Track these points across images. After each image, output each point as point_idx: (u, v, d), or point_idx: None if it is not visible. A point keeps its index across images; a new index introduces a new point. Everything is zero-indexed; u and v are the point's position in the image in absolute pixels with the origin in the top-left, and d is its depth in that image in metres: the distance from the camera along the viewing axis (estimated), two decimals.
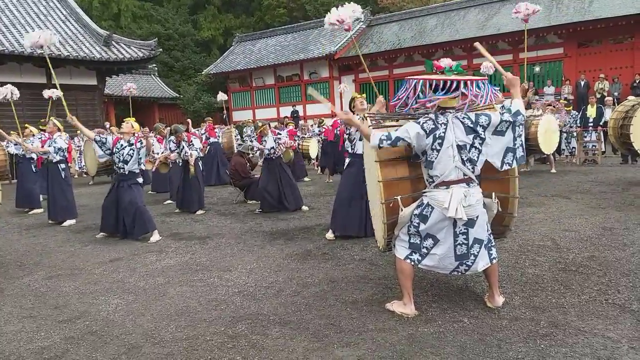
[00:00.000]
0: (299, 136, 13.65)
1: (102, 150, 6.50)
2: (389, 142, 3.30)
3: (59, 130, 8.24)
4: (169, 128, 9.83)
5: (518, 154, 3.32)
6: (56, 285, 4.76)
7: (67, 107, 6.80)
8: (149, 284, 4.63)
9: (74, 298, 4.35)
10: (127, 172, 6.49)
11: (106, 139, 6.59)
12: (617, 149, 10.74)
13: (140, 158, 6.53)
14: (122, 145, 6.47)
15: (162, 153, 9.55)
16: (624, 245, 4.85)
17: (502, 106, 3.53)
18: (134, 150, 6.45)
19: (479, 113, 3.31)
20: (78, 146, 15.64)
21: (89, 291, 4.51)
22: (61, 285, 4.75)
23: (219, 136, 12.91)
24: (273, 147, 8.00)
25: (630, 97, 10.47)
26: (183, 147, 8.37)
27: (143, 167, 6.77)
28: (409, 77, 3.33)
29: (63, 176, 8.06)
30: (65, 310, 4.06)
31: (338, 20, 5.18)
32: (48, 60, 6.65)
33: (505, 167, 3.32)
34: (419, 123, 3.28)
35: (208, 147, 12.47)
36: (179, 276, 4.80)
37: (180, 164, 8.71)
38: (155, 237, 6.44)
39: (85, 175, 15.65)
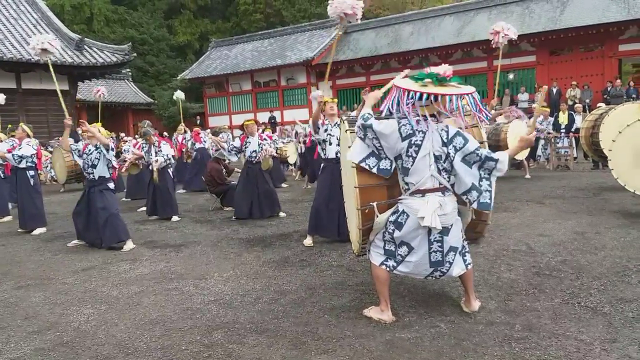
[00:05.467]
0: (275, 141, 13.59)
1: (79, 156, 6.42)
2: (364, 121, 3.31)
3: (28, 136, 8.03)
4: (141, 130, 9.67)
5: (482, 198, 3.18)
6: (26, 295, 4.62)
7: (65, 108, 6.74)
8: (122, 293, 4.53)
9: (44, 308, 4.22)
10: (97, 177, 6.35)
11: (78, 146, 6.47)
12: (590, 156, 11.03)
13: (110, 161, 6.39)
14: (89, 150, 6.35)
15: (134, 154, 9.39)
16: (595, 249, 4.96)
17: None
18: (100, 153, 6.33)
19: (459, 132, 3.22)
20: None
21: (60, 301, 4.39)
22: (31, 295, 4.61)
23: (204, 141, 12.80)
24: (255, 151, 7.83)
25: (601, 105, 10.76)
26: (152, 151, 8.24)
27: (116, 166, 6.61)
28: (395, 85, 3.26)
29: (32, 183, 7.85)
30: (35, 321, 3.94)
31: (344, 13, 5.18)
32: (51, 68, 6.68)
33: (465, 201, 3.26)
34: (398, 123, 3.26)
35: (194, 152, 12.35)
36: (153, 285, 4.71)
37: (150, 169, 8.56)
38: (129, 245, 6.31)
39: (55, 183, 15.28)
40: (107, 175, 6.42)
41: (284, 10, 31.89)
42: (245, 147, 7.83)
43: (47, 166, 15.34)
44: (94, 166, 6.31)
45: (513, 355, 2.92)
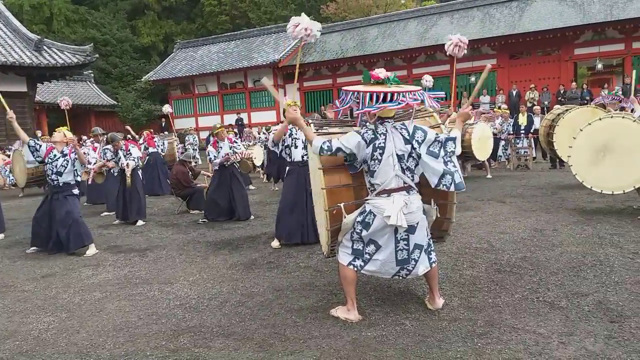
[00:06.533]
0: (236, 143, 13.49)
1: (34, 156, 6.17)
2: (328, 152, 3.37)
3: None
4: (105, 136, 9.45)
5: (456, 179, 3.30)
6: None
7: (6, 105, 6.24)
8: (84, 299, 4.42)
9: (2, 317, 4.09)
10: (61, 184, 6.16)
11: (40, 145, 6.20)
12: (548, 154, 11.43)
13: (76, 169, 6.22)
14: (55, 156, 6.13)
15: (97, 162, 9.20)
16: (553, 245, 5.13)
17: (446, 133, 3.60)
18: (68, 162, 6.14)
19: (417, 127, 3.38)
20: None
21: (19, 309, 4.26)
22: None
23: (158, 146, 12.63)
24: (228, 154, 7.85)
25: (557, 106, 11.15)
26: (120, 156, 8.10)
27: (79, 179, 6.40)
28: (345, 89, 3.37)
29: None
30: None
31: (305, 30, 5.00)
32: None
33: (442, 188, 3.32)
34: (359, 133, 3.34)
35: (147, 157, 12.12)
36: (117, 290, 4.63)
37: (116, 174, 8.43)
38: (92, 250, 6.17)
39: (14, 187, 14.75)
40: (73, 182, 6.24)
41: (250, 12, 31.71)
42: (218, 152, 7.91)
43: (6, 170, 14.78)
44: (59, 174, 6.11)
45: (475, 350, 3.00)
